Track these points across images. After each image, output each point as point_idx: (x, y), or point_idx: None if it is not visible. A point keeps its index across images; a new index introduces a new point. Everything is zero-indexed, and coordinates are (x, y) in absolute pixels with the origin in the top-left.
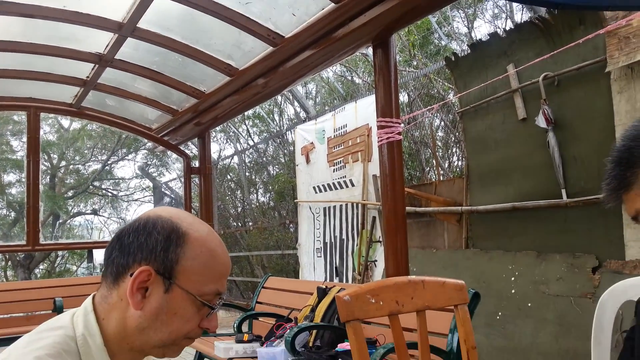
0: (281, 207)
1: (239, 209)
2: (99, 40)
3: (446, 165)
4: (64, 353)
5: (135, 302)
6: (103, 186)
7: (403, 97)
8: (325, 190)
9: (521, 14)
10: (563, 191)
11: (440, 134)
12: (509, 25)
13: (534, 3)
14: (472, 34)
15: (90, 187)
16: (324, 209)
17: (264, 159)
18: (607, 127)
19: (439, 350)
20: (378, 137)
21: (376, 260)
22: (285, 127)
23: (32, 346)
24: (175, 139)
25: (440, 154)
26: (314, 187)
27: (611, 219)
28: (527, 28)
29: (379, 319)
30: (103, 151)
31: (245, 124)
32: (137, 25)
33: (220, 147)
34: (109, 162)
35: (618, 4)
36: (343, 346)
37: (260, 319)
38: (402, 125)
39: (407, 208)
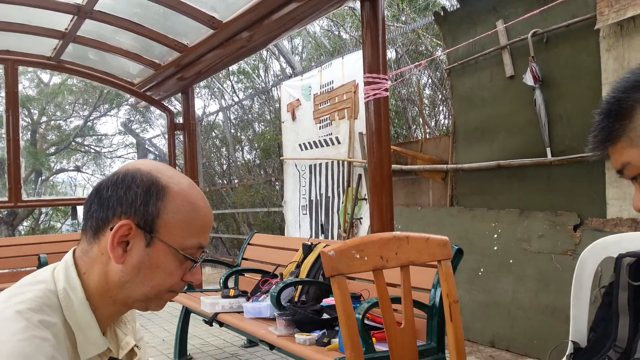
0: (267, 165)
1: (225, 167)
2: None
3: (432, 123)
4: (46, 307)
5: (116, 256)
6: (85, 142)
7: (390, 54)
8: (311, 148)
9: None
10: (548, 149)
11: (427, 91)
12: None
13: None
14: None
15: (73, 143)
16: (310, 166)
17: (250, 115)
18: (594, 86)
19: (422, 304)
20: (365, 94)
21: (361, 218)
22: (270, 84)
23: (13, 300)
24: (158, 94)
25: (427, 112)
26: (299, 145)
27: (594, 178)
28: None
29: (364, 274)
30: (85, 107)
31: (229, 80)
32: None
33: (204, 104)
34: (90, 117)
35: None
36: (328, 301)
37: (246, 275)
38: (389, 82)
39: (393, 166)
